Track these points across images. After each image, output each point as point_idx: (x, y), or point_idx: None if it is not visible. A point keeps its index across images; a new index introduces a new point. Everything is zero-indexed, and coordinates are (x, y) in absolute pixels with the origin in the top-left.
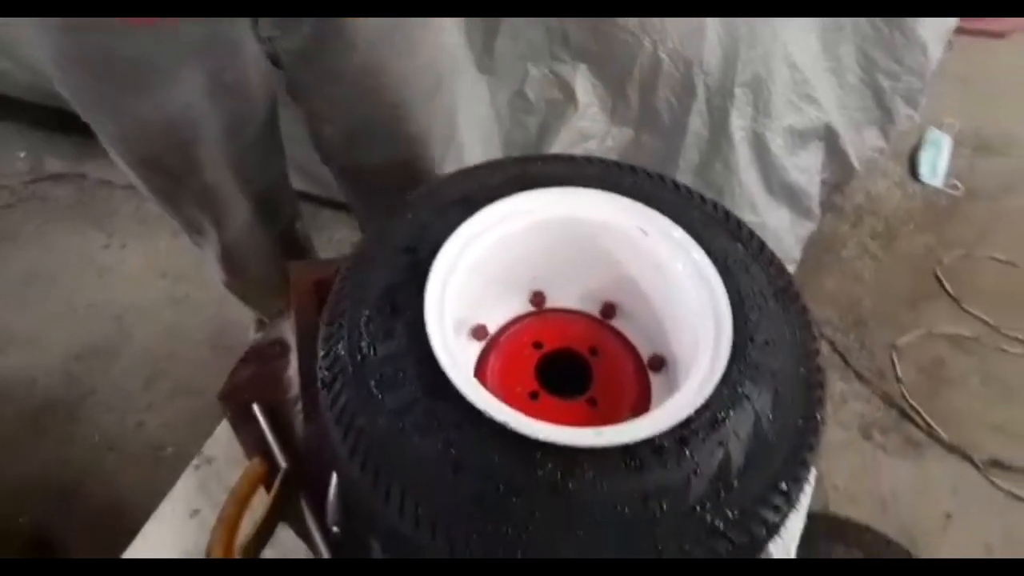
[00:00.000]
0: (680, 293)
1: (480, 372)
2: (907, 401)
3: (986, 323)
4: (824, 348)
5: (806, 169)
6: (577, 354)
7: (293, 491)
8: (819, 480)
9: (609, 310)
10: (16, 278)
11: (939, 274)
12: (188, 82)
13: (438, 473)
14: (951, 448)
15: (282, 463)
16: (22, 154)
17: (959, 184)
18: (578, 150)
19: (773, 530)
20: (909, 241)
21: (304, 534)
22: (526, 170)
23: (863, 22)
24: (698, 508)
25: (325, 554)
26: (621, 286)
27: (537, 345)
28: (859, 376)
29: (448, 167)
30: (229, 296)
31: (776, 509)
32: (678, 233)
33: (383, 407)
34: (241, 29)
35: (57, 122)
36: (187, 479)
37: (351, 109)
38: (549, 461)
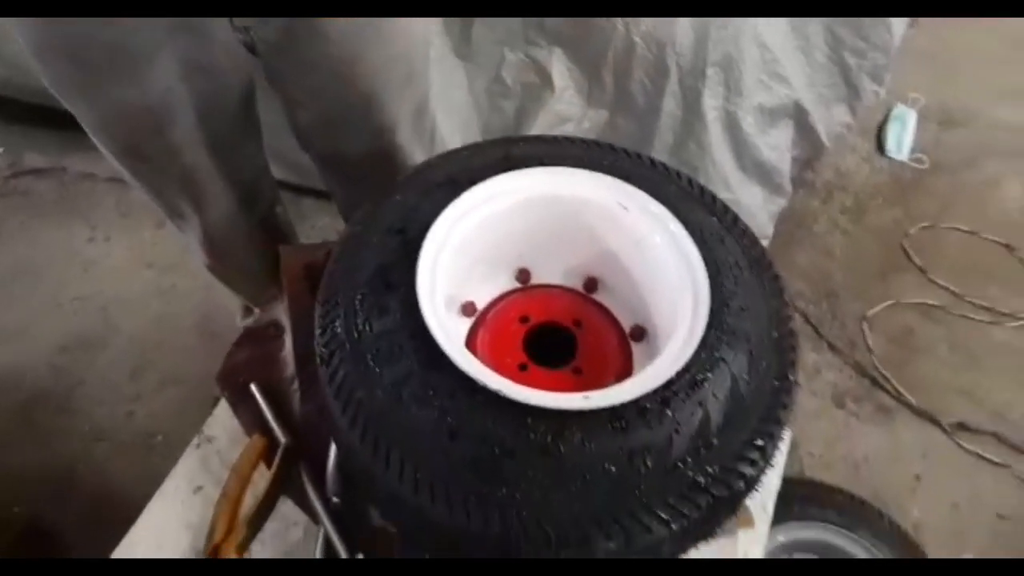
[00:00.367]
0: (659, 265)
1: (470, 347)
2: (878, 370)
3: (952, 292)
4: (797, 320)
5: (777, 146)
6: (562, 327)
7: (293, 465)
8: (795, 447)
9: (592, 284)
10: (0, 273)
11: (906, 246)
12: (163, 68)
13: (435, 440)
14: (920, 413)
15: (282, 439)
16: (0, 150)
17: (924, 158)
18: (555, 133)
19: (751, 484)
20: (877, 215)
21: (305, 505)
22: (509, 151)
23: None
24: (680, 464)
25: (327, 523)
26: (603, 261)
27: (524, 319)
28: (831, 347)
29: (423, 155)
30: (215, 285)
31: (753, 464)
32: (656, 208)
33: (380, 380)
34: (214, 18)
35: (36, 117)
36: (189, 457)
37: (325, 97)
38: (540, 425)
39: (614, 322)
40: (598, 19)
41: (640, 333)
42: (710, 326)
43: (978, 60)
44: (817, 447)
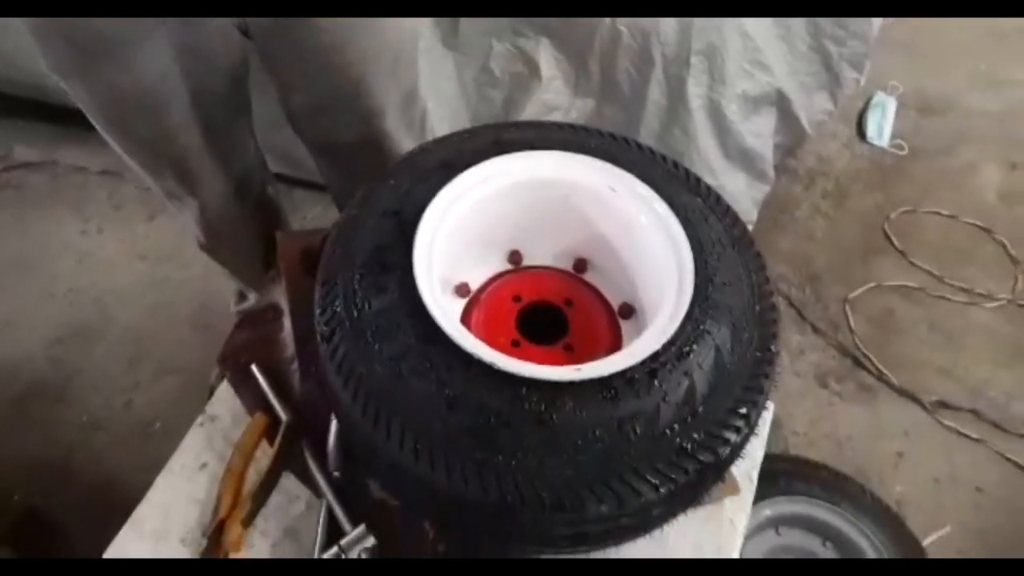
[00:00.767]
0: (646, 244)
1: (465, 326)
2: (860, 350)
3: (931, 274)
4: (780, 303)
5: (760, 134)
6: (553, 306)
7: (295, 441)
8: (779, 426)
9: (581, 265)
10: None
11: (887, 230)
12: (156, 52)
13: (434, 411)
14: (901, 392)
15: (283, 416)
16: None
17: (904, 144)
18: None
19: (736, 451)
20: (858, 200)
21: (307, 480)
22: (501, 136)
23: None
24: (668, 431)
25: (329, 496)
26: (592, 242)
27: (516, 299)
28: (814, 328)
29: (412, 142)
30: (208, 276)
31: (737, 431)
32: (643, 189)
33: (380, 355)
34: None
35: (27, 111)
36: (194, 435)
37: (316, 82)
38: (534, 395)
39: (603, 301)
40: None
41: (628, 311)
42: (695, 300)
43: (955, 49)
44: (801, 426)
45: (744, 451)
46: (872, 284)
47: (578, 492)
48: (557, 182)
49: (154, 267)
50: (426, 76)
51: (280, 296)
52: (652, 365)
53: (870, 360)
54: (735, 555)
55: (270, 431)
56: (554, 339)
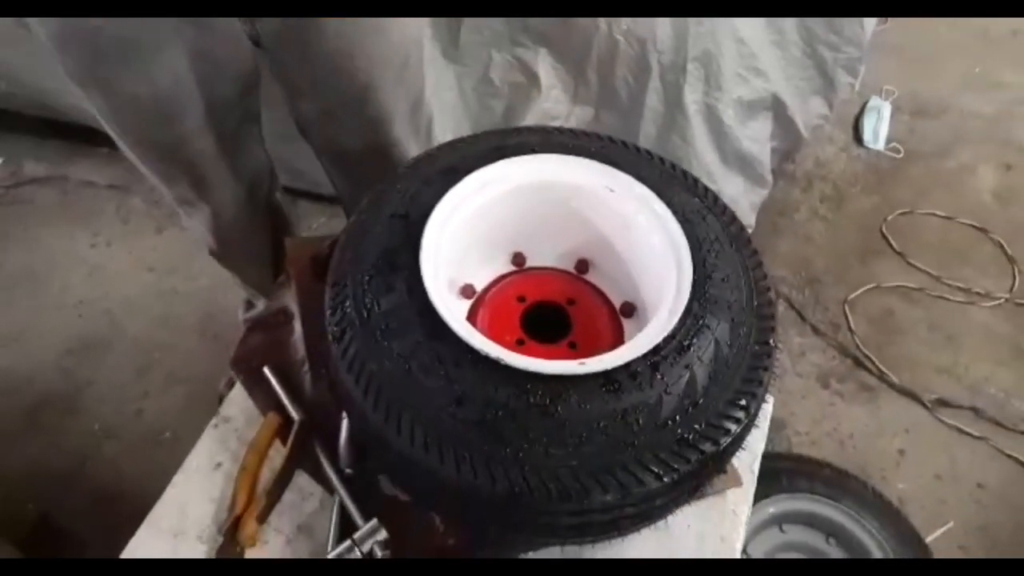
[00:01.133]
0: (646, 243)
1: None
2: (860, 350)
3: (930, 275)
4: (781, 305)
5: (757, 138)
6: (557, 305)
7: (308, 440)
8: (782, 426)
9: (583, 266)
10: (5, 279)
11: (885, 232)
12: (172, 59)
13: (443, 405)
14: (902, 391)
15: (296, 416)
16: (1, 160)
17: (899, 147)
18: None
19: (737, 441)
20: (856, 203)
21: (320, 477)
22: (504, 141)
23: None
24: (670, 422)
25: (342, 492)
26: (593, 243)
27: (520, 299)
28: (815, 330)
29: (419, 149)
30: (216, 286)
31: (738, 421)
32: (641, 190)
33: (390, 352)
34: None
35: (36, 128)
36: (208, 436)
37: (325, 88)
38: (539, 389)
39: (605, 300)
40: (581, 19)
41: (630, 309)
42: (694, 296)
43: (948, 53)
44: (804, 426)
45: (745, 443)
46: (871, 285)
47: (583, 482)
48: (558, 185)
49: (162, 279)
50: (430, 86)
51: (290, 301)
52: (654, 358)
53: (870, 360)
54: (739, 545)
55: (283, 430)
56: (558, 338)
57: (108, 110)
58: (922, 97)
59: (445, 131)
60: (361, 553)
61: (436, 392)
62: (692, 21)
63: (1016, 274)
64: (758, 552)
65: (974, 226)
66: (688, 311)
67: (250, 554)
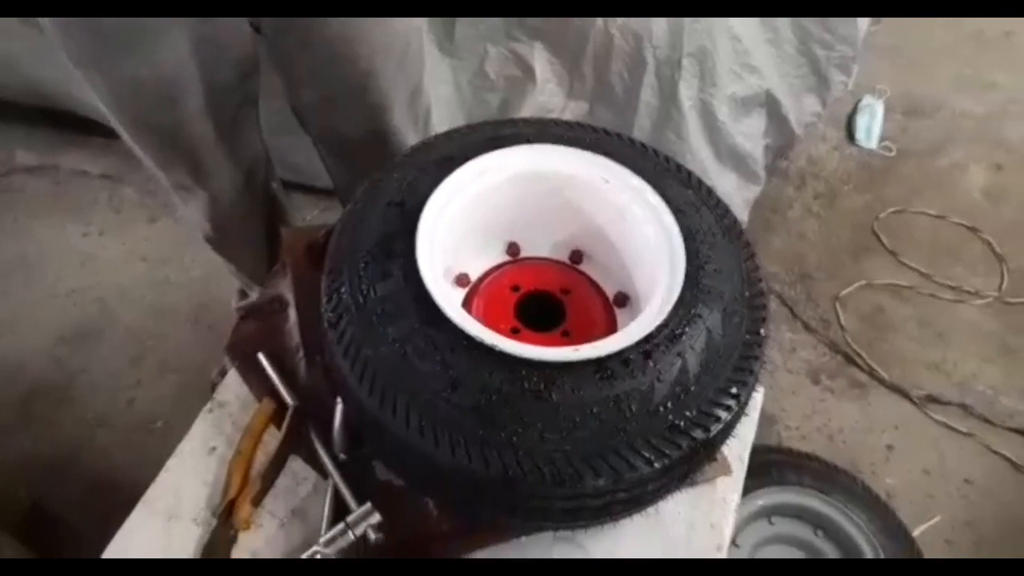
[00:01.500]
0: (640, 234)
1: None
2: (851, 347)
3: (920, 273)
4: (772, 302)
5: (751, 135)
6: (551, 294)
7: (302, 425)
8: (772, 422)
9: (577, 256)
10: None
11: (876, 229)
12: (176, 41)
13: (438, 390)
14: (891, 387)
15: (290, 401)
16: None
17: (892, 146)
18: None
19: (727, 428)
20: (849, 200)
21: (314, 462)
22: (500, 131)
23: None
24: (662, 409)
25: (336, 477)
26: (587, 233)
27: (515, 288)
28: (806, 326)
29: (417, 138)
30: (208, 276)
31: (728, 409)
32: (636, 181)
33: (386, 338)
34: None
35: (27, 116)
36: (203, 421)
37: (325, 75)
38: (534, 375)
39: (599, 290)
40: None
41: (623, 299)
42: (687, 286)
43: (940, 53)
44: (794, 421)
45: (735, 431)
46: (862, 282)
47: (576, 466)
48: (553, 175)
49: (155, 268)
50: (427, 75)
51: (285, 289)
52: (646, 346)
53: (861, 356)
54: (728, 532)
55: (277, 416)
56: (552, 327)
57: (109, 93)
58: (915, 96)
59: (441, 124)
60: (354, 536)
61: (431, 377)
62: (687, 18)
63: (1005, 272)
64: (747, 543)
65: (964, 225)
66: (681, 301)
67: (243, 537)
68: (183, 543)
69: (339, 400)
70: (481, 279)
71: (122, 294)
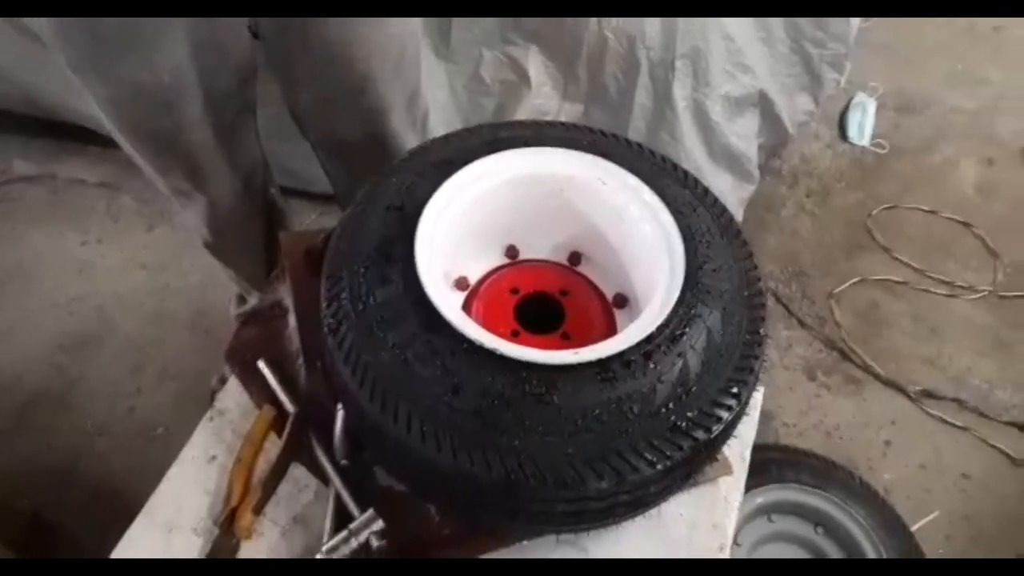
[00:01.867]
0: (638, 234)
1: None
2: (846, 343)
3: (914, 269)
4: (768, 299)
5: (744, 135)
6: (550, 297)
7: (303, 432)
8: (770, 418)
9: (576, 258)
10: None
11: (870, 226)
12: (175, 46)
13: (439, 394)
14: (887, 383)
15: (290, 408)
16: None
17: (884, 143)
18: None
19: (728, 428)
20: (842, 198)
21: (315, 469)
22: (497, 135)
23: None
24: (663, 410)
25: (337, 483)
26: (586, 235)
27: (514, 291)
28: (801, 323)
29: (415, 141)
30: (207, 283)
31: (729, 409)
32: (633, 181)
33: (386, 343)
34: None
35: (25, 126)
36: (203, 429)
37: (323, 78)
38: (534, 378)
39: (598, 292)
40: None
41: (622, 300)
42: (686, 286)
43: (931, 50)
44: (791, 418)
45: (736, 431)
46: (857, 279)
47: (579, 469)
48: (551, 177)
49: (153, 276)
50: (423, 80)
51: (284, 294)
52: (647, 347)
53: (856, 353)
54: (730, 532)
55: (278, 423)
56: (552, 329)
57: (108, 99)
58: (907, 93)
59: (437, 128)
60: (357, 543)
61: (432, 382)
62: (680, 18)
63: (998, 267)
64: (747, 541)
65: (957, 220)
66: (681, 301)
67: (246, 545)
68: (185, 553)
69: (340, 406)
70: (480, 282)
71: (121, 302)
